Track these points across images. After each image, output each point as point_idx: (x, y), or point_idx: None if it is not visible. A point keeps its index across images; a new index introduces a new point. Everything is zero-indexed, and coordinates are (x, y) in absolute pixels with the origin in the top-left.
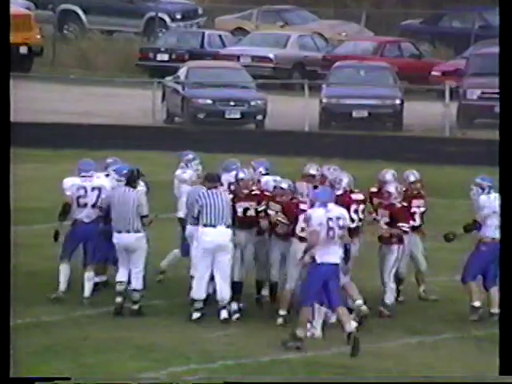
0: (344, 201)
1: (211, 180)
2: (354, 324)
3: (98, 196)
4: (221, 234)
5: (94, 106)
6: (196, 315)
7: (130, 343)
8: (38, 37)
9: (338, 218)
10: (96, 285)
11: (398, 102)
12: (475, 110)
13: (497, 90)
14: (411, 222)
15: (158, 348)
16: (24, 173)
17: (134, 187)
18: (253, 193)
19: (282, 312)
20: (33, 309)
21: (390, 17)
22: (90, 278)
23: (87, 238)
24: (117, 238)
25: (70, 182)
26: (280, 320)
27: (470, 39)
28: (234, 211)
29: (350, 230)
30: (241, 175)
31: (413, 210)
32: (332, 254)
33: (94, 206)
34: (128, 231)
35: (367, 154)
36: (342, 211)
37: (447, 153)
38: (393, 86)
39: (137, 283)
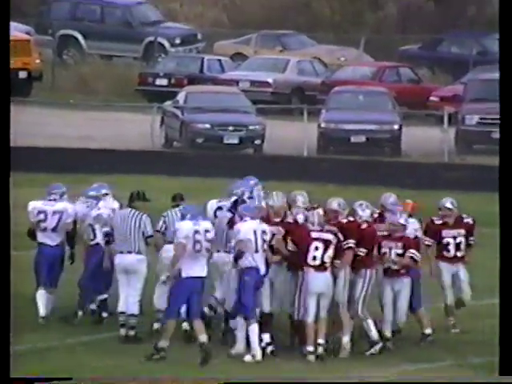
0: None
1: (130, 199)
2: (205, 336)
3: (59, 220)
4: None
5: (93, 131)
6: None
7: (123, 372)
8: (38, 61)
9: (206, 231)
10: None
11: (396, 127)
12: (474, 136)
13: (495, 116)
14: (447, 253)
15: (154, 374)
16: (23, 197)
17: (135, 208)
18: (285, 221)
19: (310, 348)
20: (30, 335)
21: (388, 42)
22: (40, 296)
23: (52, 261)
24: (118, 259)
25: (32, 206)
26: (320, 349)
27: (468, 65)
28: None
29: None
30: (271, 201)
31: (445, 240)
32: (198, 268)
33: (53, 230)
34: (129, 252)
35: (365, 180)
36: (210, 225)
37: (446, 178)
38: (391, 111)
39: (133, 308)
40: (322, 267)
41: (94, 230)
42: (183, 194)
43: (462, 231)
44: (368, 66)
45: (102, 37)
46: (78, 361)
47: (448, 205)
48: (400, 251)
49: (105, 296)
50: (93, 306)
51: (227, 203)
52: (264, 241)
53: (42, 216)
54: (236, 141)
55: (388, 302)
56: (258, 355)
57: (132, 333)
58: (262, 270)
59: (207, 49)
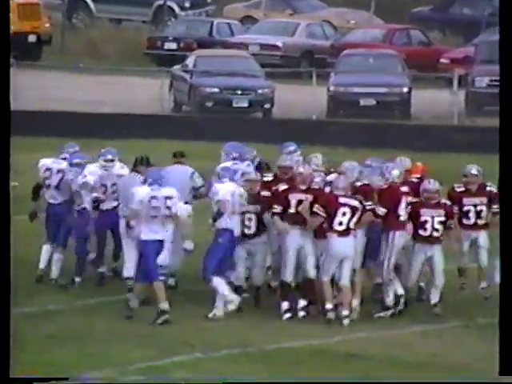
0: (394, 193)
1: (134, 164)
2: (166, 304)
3: (61, 179)
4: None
5: (103, 95)
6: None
7: (134, 332)
8: (47, 25)
9: (167, 198)
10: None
11: (405, 90)
12: (484, 98)
13: None
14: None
15: (163, 337)
16: (31, 161)
17: (138, 172)
18: (311, 187)
19: (329, 306)
20: (38, 297)
21: (399, 4)
22: (44, 251)
23: (57, 220)
24: (123, 223)
25: (41, 163)
26: (331, 314)
27: (480, 26)
28: (288, 204)
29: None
30: (300, 169)
31: (466, 208)
32: (154, 232)
33: (56, 187)
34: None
35: (375, 143)
36: (172, 191)
37: (456, 141)
38: (401, 74)
39: (130, 271)
40: (345, 232)
41: (80, 196)
42: (183, 152)
43: (484, 199)
44: (378, 29)
45: (111, 0)
46: (88, 323)
47: (474, 171)
48: (443, 219)
49: (93, 257)
50: (102, 269)
51: (242, 166)
52: (240, 204)
53: (47, 173)
54: (245, 104)
55: (417, 269)
56: (218, 312)
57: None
58: (237, 232)
59: (217, 12)
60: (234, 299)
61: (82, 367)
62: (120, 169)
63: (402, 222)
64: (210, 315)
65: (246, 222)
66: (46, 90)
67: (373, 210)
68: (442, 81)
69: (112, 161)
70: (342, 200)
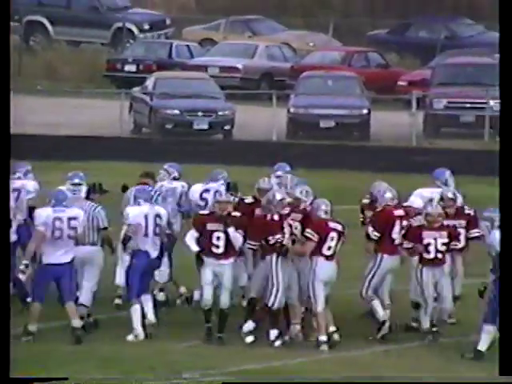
0: (387, 216)
1: (88, 191)
2: (78, 322)
3: (17, 197)
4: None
5: (61, 117)
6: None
7: (96, 355)
8: None
9: (70, 219)
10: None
11: (365, 111)
12: (442, 120)
13: (463, 100)
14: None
15: (124, 360)
16: None
17: (93, 200)
18: (301, 209)
19: (323, 337)
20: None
21: (357, 27)
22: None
23: (23, 241)
24: (74, 251)
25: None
26: (325, 346)
27: (436, 49)
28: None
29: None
30: (278, 196)
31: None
32: (59, 255)
33: (15, 207)
34: (83, 244)
35: (334, 164)
36: (78, 212)
37: (414, 162)
38: (360, 96)
39: (85, 298)
40: (331, 257)
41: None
42: (150, 172)
43: (463, 222)
44: (337, 51)
45: (70, 23)
46: (50, 345)
47: (450, 195)
48: (445, 240)
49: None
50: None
51: (216, 185)
52: (157, 225)
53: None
54: (206, 126)
55: (430, 291)
56: (140, 335)
57: (79, 324)
58: (153, 253)
59: (176, 34)
60: (140, 334)
61: None
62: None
63: (395, 245)
64: (129, 338)
65: (214, 241)
66: None
67: (366, 234)
68: (401, 103)
69: (79, 184)
70: (331, 225)
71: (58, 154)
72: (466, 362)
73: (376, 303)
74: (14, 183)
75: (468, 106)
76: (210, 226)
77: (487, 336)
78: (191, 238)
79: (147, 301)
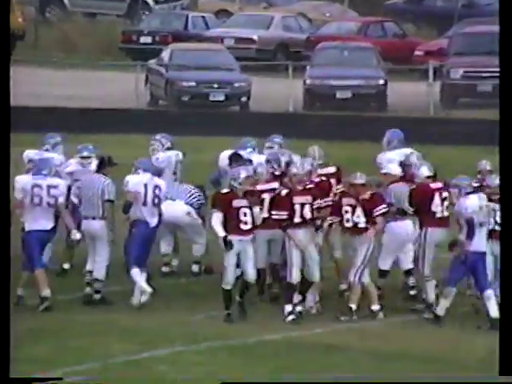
0: (425, 190)
1: (98, 164)
2: (47, 291)
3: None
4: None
5: (77, 90)
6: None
7: (115, 326)
8: (20, 20)
9: (50, 187)
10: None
11: (381, 82)
12: (458, 90)
13: (480, 69)
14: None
15: (143, 330)
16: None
17: (104, 174)
18: (307, 187)
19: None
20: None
21: None
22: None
23: None
24: (84, 224)
25: (25, 154)
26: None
27: (453, 18)
28: (292, 208)
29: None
30: (294, 170)
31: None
32: (42, 222)
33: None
34: (94, 218)
35: (351, 135)
36: (60, 182)
37: (431, 132)
38: (376, 67)
39: (98, 273)
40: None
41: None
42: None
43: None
44: (353, 21)
45: None
46: (67, 317)
47: (488, 167)
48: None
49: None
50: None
51: (243, 153)
52: (156, 195)
53: (31, 164)
54: (222, 98)
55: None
56: (147, 290)
57: (97, 296)
58: (152, 222)
59: (192, 5)
60: (147, 290)
61: (62, 362)
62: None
63: (438, 218)
64: (134, 302)
65: (242, 217)
66: (18, 85)
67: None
68: (417, 73)
69: (89, 157)
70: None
71: (73, 126)
72: (479, 336)
73: (430, 285)
74: (42, 155)
75: (485, 75)
76: (236, 203)
77: (448, 299)
78: (217, 221)
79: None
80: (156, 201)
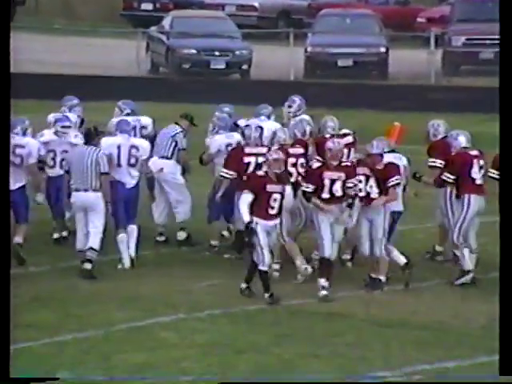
0: (464, 158)
1: (86, 136)
2: (21, 239)
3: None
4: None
5: (77, 57)
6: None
7: (117, 294)
8: None
9: (17, 146)
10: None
11: (383, 50)
12: (460, 57)
13: (482, 36)
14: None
15: (145, 298)
16: None
17: (94, 145)
18: (342, 164)
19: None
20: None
21: None
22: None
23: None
24: (75, 197)
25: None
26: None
27: None
28: (322, 182)
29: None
30: (330, 145)
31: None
32: (12, 182)
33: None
34: (86, 190)
35: (352, 103)
36: (28, 141)
37: (433, 100)
38: (378, 34)
39: (93, 241)
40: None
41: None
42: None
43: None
44: None
45: None
46: (70, 284)
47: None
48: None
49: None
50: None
51: (257, 121)
52: (132, 156)
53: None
54: (223, 66)
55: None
56: (126, 263)
57: (89, 267)
58: (129, 184)
59: None
60: (126, 263)
61: (65, 329)
62: (74, 138)
63: (478, 185)
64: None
65: (272, 203)
66: (18, 52)
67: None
68: (419, 40)
69: (68, 127)
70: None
71: (74, 93)
72: (479, 304)
73: (466, 251)
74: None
75: (487, 42)
76: (269, 188)
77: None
78: (246, 203)
79: (132, 231)
80: (132, 161)
